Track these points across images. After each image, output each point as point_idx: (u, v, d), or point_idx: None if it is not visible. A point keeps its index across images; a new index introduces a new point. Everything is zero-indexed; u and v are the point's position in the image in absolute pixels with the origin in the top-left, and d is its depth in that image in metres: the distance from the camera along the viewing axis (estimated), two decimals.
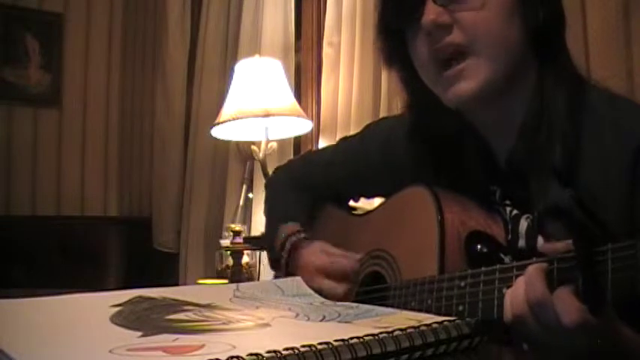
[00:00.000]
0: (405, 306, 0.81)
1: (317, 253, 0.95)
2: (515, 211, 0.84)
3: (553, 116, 0.79)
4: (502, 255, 0.80)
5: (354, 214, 1.11)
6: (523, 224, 0.82)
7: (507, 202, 0.86)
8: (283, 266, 1.02)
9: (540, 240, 0.80)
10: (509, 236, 0.83)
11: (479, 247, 0.81)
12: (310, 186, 1.16)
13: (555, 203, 0.75)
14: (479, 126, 0.88)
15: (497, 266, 0.71)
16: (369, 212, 1.05)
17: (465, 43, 0.79)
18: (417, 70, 0.86)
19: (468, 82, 0.79)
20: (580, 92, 0.80)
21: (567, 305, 0.59)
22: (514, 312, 0.64)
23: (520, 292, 0.63)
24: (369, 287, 0.94)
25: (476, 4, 0.78)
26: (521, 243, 0.82)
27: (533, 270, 0.63)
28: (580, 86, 0.81)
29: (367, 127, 1.11)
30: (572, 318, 0.59)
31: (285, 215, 1.11)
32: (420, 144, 0.93)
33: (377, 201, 1.11)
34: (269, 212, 1.21)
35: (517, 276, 0.67)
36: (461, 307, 0.73)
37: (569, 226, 0.64)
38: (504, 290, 0.68)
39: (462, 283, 0.74)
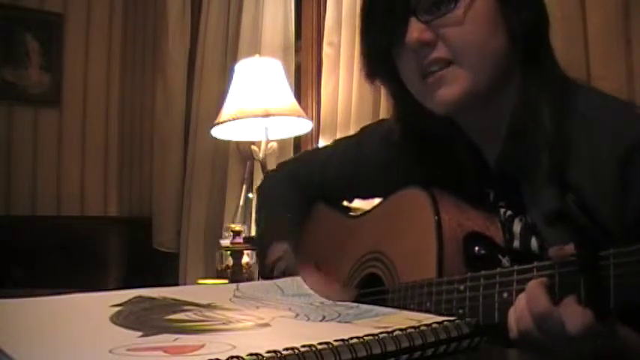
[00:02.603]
0: (403, 309, 0.81)
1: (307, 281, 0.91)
2: (509, 212, 0.84)
3: (538, 119, 0.78)
4: (500, 256, 0.80)
5: (349, 216, 1.10)
6: (517, 225, 0.82)
7: (501, 203, 0.86)
8: None
9: (534, 241, 0.80)
10: (506, 236, 0.83)
11: (477, 248, 0.81)
12: (304, 187, 1.16)
13: (555, 207, 0.75)
14: (468, 130, 0.88)
15: (498, 270, 0.70)
16: (364, 214, 1.05)
17: (449, 57, 0.79)
18: (404, 82, 0.86)
19: (450, 87, 0.79)
20: (565, 93, 0.79)
21: (571, 313, 0.59)
22: (520, 328, 0.63)
23: (523, 308, 0.63)
24: (367, 290, 0.94)
25: (458, 18, 0.78)
26: (516, 244, 0.82)
27: (534, 284, 0.63)
28: (565, 87, 0.80)
29: (364, 128, 1.11)
30: (576, 325, 0.59)
31: (275, 233, 1.12)
32: (413, 149, 0.93)
33: (374, 202, 1.10)
34: (260, 225, 1.22)
35: (518, 280, 0.66)
36: (461, 311, 0.73)
37: (570, 231, 0.64)
38: (505, 294, 0.68)
39: (462, 287, 0.73)
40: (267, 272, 1.07)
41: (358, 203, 1.16)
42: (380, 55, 0.86)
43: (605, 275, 0.58)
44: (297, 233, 1.13)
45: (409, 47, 0.79)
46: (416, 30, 0.78)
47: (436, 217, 0.82)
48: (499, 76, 0.80)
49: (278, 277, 1.00)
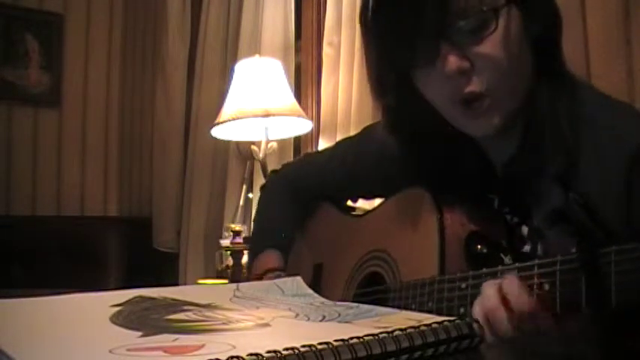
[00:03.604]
0: (405, 308, 0.81)
1: None
2: (515, 219, 0.84)
3: (554, 125, 0.77)
4: (502, 255, 0.80)
5: (352, 215, 1.11)
6: (524, 230, 0.82)
7: (506, 209, 0.85)
8: None
9: (540, 247, 0.80)
10: (512, 241, 0.82)
11: (479, 247, 0.81)
12: (306, 189, 1.16)
13: (557, 207, 0.74)
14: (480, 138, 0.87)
15: (499, 267, 0.71)
16: (367, 213, 1.05)
17: (484, 91, 0.76)
18: (416, 92, 0.83)
19: (492, 118, 0.78)
20: (575, 97, 0.79)
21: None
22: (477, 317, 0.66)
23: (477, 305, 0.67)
24: (369, 289, 0.94)
25: (495, 42, 0.74)
26: (526, 248, 0.81)
27: (487, 284, 0.67)
28: (575, 91, 0.80)
29: (365, 129, 1.11)
30: (502, 331, 0.63)
31: (270, 239, 1.15)
32: (415, 150, 0.91)
33: (377, 202, 1.11)
34: (255, 225, 1.26)
35: (520, 279, 0.67)
36: (462, 310, 0.73)
37: (572, 230, 0.64)
38: None
39: (464, 285, 0.74)
40: (252, 276, 1.09)
41: (362, 203, 1.17)
42: (395, 77, 0.82)
43: (607, 273, 0.58)
44: (290, 240, 1.16)
45: (446, 76, 0.75)
46: (453, 58, 0.74)
47: (439, 217, 0.82)
48: (526, 89, 0.79)
49: None
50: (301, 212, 1.18)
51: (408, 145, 0.91)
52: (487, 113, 0.78)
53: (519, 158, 0.82)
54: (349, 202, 1.16)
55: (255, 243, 1.22)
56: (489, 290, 0.66)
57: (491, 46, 0.74)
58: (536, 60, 0.79)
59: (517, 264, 0.69)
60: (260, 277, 1.05)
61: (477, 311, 0.66)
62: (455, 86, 0.76)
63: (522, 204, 0.82)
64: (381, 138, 1.00)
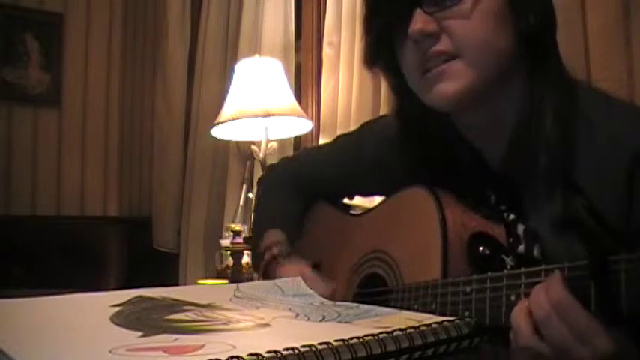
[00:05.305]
0: (407, 310, 0.80)
1: (293, 274, 0.91)
2: (512, 216, 0.84)
3: (543, 122, 0.77)
4: (504, 257, 0.80)
5: (351, 214, 1.10)
6: (520, 229, 0.82)
7: (503, 207, 0.85)
8: (260, 274, 1.03)
9: (536, 248, 0.80)
10: (510, 239, 0.82)
11: (481, 248, 0.80)
12: (305, 184, 1.15)
13: (563, 212, 0.74)
14: (469, 132, 0.87)
15: (505, 272, 0.69)
16: (366, 212, 1.04)
17: (452, 51, 0.77)
18: (404, 75, 0.85)
19: (450, 83, 0.78)
20: (571, 96, 0.78)
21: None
22: (538, 317, 0.61)
23: (540, 297, 0.61)
24: (370, 290, 0.93)
25: (465, 12, 0.76)
26: (521, 248, 0.81)
27: (554, 276, 0.62)
28: (571, 89, 0.79)
29: (364, 125, 1.11)
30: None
31: (273, 220, 1.12)
32: (412, 148, 0.92)
33: (374, 199, 1.10)
34: (257, 214, 1.22)
35: (526, 284, 0.65)
36: (467, 313, 0.72)
37: (579, 236, 0.63)
38: (512, 297, 0.67)
39: (468, 289, 0.72)
40: (256, 259, 1.07)
41: (358, 201, 1.16)
42: (382, 43, 0.84)
43: (617, 281, 0.57)
44: (295, 228, 1.13)
45: (411, 37, 0.78)
46: (420, 21, 0.77)
47: (441, 217, 0.81)
48: (501, 76, 0.79)
49: (268, 261, 1.00)
50: (300, 208, 1.17)
51: (407, 135, 0.91)
52: (446, 76, 0.78)
53: (509, 158, 0.82)
54: (346, 200, 1.16)
55: (257, 230, 1.18)
56: (553, 281, 0.61)
57: (459, 14, 0.76)
58: (529, 55, 0.79)
59: (523, 269, 0.67)
60: (263, 253, 1.04)
61: (541, 304, 0.61)
62: (421, 50, 0.78)
63: (517, 203, 0.82)
64: (380, 134, 1.00)
